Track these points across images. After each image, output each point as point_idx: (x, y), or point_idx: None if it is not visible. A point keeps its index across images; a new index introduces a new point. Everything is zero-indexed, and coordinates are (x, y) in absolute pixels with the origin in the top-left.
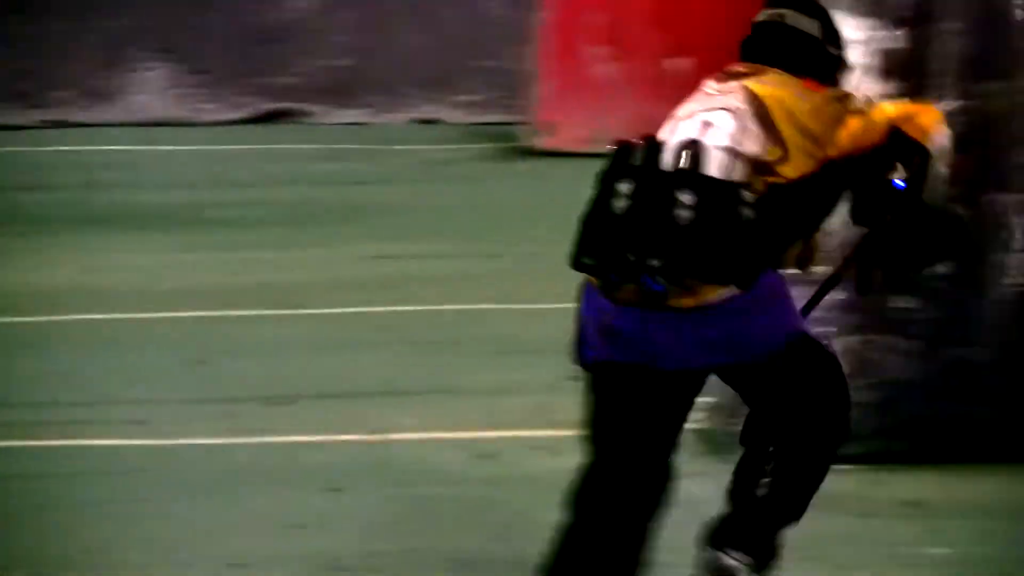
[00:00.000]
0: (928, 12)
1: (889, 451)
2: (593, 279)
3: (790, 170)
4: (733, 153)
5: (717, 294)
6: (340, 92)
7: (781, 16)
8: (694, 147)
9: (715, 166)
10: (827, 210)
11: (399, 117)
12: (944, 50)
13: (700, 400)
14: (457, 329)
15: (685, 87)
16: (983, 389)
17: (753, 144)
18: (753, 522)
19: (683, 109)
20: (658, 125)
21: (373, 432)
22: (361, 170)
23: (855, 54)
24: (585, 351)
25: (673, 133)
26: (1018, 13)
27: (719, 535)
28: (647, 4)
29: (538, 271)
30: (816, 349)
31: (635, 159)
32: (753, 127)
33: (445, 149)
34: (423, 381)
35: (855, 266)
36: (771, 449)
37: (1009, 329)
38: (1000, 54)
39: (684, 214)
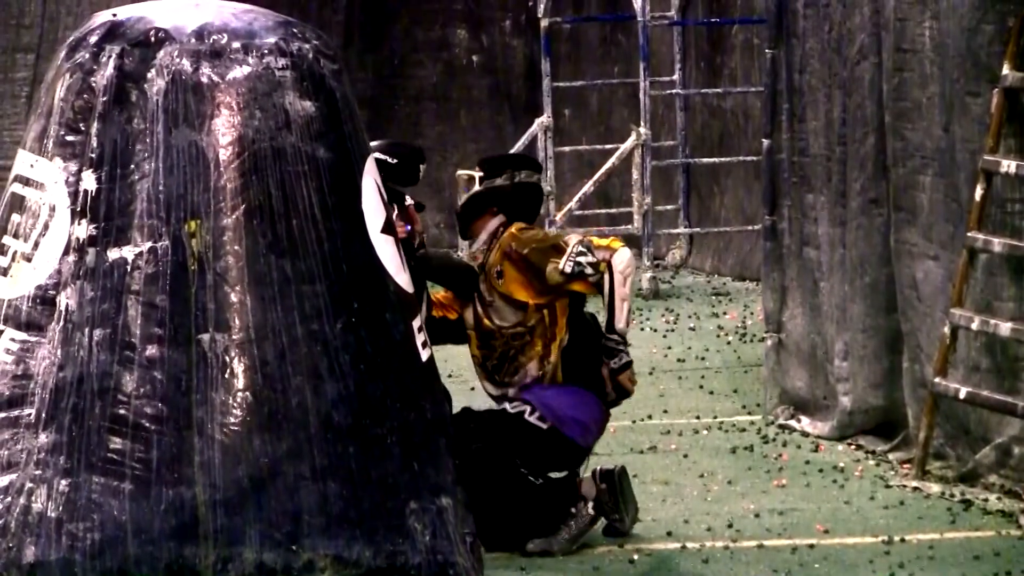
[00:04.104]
0: (123, 153)
1: None
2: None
3: None
4: None
5: None
6: None
7: None
8: None
9: None
10: None
11: None
12: (142, 191)
13: None
14: None
15: None
16: (200, 528)
17: None
18: None
19: None
20: None
21: None
22: None
23: (53, 195)
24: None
25: None
26: (223, 152)
27: None
28: None
29: None
30: None
31: None
32: None
33: None
34: None
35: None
36: None
37: (227, 468)
38: (199, 194)
39: None
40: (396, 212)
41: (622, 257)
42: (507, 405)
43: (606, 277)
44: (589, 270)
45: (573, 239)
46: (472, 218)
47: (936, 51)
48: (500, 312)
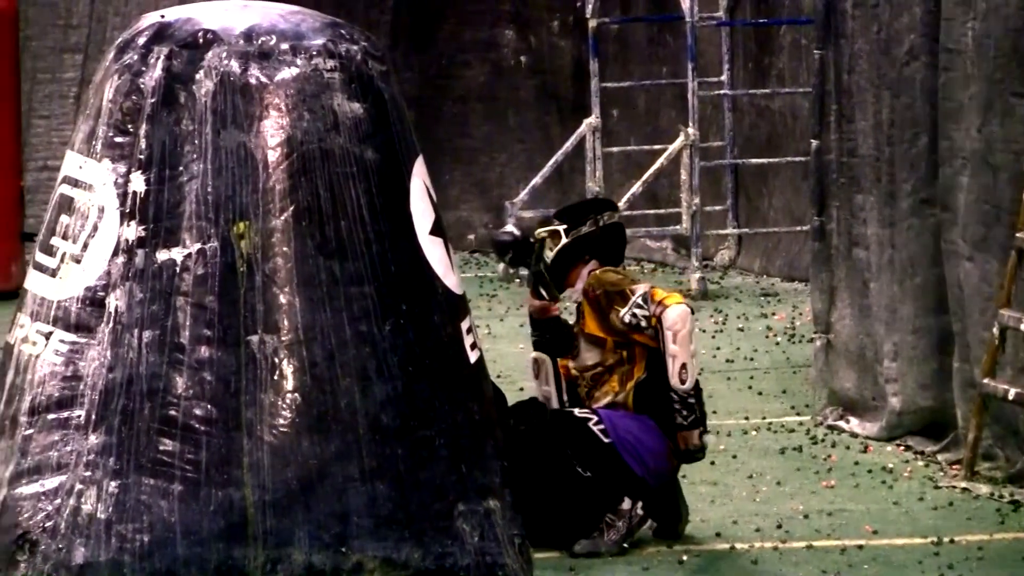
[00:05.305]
0: (172, 154)
1: None
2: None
3: None
4: None
5: None
6: None
7: None
8: None
9: None
10: None
11: None
12: (191, 192)
13: None
14: None
15: None
16: (250, 529)
17: None
18: None
19: None
20: None
21: None
22: None
23: (101, 197)
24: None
25: None
26: (271, 154)
27: None
28: None
29: None
30: None
31: None
32: None
33: None
34: None
35: None
36: None
37: (276, 470)
38: (248, 195)
39: None
40: (542, 294)
41: (672, 314)
42: (575, 410)
43: (659, 333)
44: (644, 323)
45: (639, 288)
46: (566, 270)
47: (979, 51)
48: (583, 354)
